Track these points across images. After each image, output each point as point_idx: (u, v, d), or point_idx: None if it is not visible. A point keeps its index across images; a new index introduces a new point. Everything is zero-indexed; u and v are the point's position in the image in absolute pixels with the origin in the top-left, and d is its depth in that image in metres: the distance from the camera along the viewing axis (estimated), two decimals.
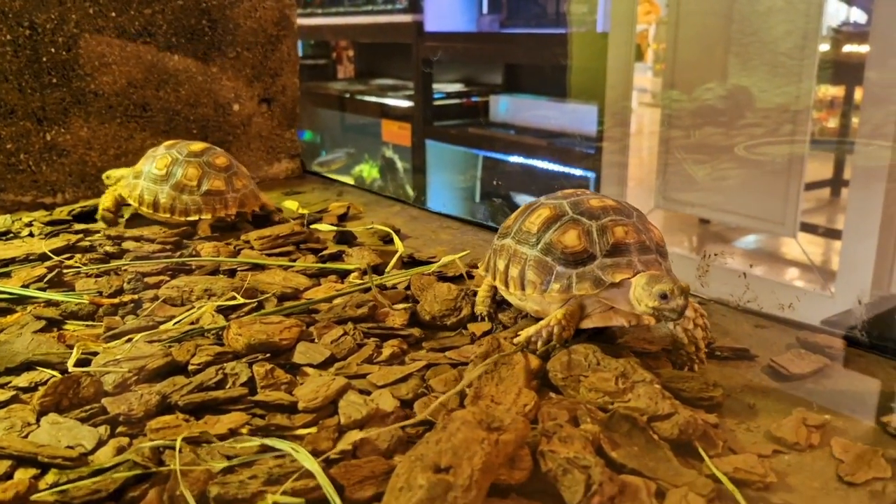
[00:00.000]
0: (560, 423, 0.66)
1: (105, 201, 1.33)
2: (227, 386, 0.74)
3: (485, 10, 3.94)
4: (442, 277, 1.05)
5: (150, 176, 1.29)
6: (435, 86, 3.86)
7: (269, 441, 0.63)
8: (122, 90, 1.49)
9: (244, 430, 0.66)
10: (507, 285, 0.86)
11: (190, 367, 0.78)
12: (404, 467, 0.57)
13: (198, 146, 1.33)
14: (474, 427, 0.60)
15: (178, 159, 1.30)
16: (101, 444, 0.64)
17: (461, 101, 3.95)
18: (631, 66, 2.73)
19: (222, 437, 0.65)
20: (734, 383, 0.78)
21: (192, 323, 0.89)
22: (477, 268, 1.09)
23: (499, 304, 0.95)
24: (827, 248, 2.24)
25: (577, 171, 3.05)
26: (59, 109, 1.44)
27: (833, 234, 2.17)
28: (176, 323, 0.90)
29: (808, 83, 1.87)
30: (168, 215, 1.28)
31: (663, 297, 0.73)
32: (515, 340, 0.80)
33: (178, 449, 0.61)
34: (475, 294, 0.95)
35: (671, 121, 2.29)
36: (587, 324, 0.81)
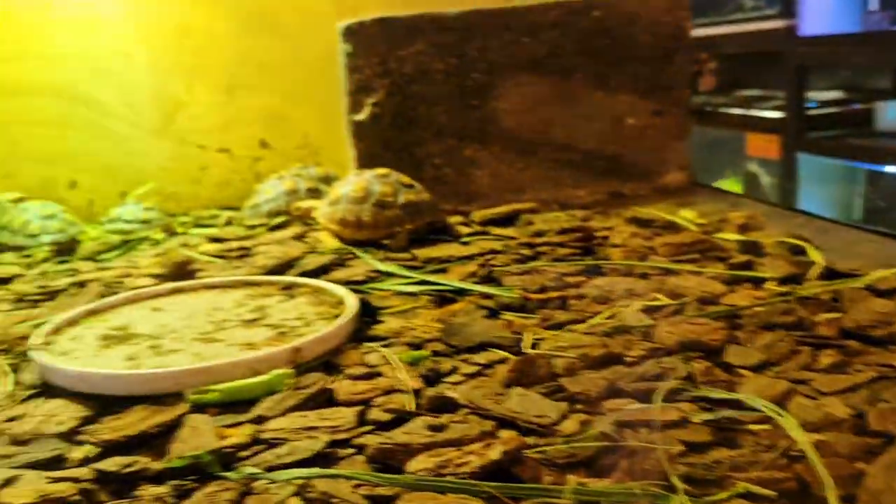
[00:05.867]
0: None
1: None
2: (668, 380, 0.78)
3: (872, 6, 3.56)
4: (875, 292, 0.98)
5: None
6: (810, 93, 3.57)
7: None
8: (529, 108, 1.64)
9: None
10: None
11: (626, 359, 0.84)
12: (879, 469, 0.56)
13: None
14: None
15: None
16: (563, 416, 0.72)
17: (840, 109, 3.60)
18: None
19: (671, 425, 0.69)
20: None
21: (611, 318, 0.96)
22: None
23: None
24: None
25: None
26: (476, 128, 1.63)
27: None
28: (607, 318, 0.96)
29: None
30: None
31: None
32: None
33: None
34: None
35: None
36: None
